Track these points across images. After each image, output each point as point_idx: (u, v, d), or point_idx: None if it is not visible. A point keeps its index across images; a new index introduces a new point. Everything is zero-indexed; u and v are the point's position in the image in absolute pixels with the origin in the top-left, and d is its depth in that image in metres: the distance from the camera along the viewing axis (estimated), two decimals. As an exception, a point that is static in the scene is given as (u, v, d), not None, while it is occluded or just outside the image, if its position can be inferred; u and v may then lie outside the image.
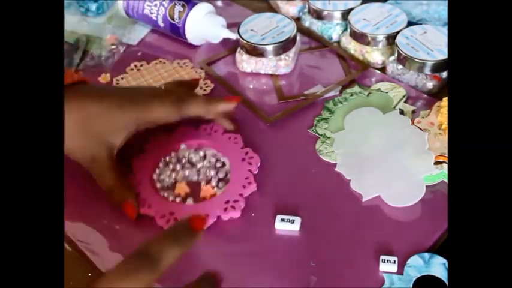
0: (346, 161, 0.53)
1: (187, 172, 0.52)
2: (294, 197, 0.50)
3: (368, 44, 0.63)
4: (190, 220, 0.35)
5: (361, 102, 0.59)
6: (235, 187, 0.50)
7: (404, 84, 0.60)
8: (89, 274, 0.46)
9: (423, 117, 0.55)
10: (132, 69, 0.66)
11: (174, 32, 0.68)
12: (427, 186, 0.50)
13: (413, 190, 0.49)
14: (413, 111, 0.57)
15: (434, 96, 0.59)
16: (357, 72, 0.63)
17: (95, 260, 0.47)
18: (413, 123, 0.55)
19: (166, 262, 0.33)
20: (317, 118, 0.58)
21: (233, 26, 0.67)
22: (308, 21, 0.70)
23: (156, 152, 0.54)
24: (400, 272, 0.44)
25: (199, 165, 0.53)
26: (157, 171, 0.53)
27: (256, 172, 0.52)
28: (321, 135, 0.56)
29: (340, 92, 0.61)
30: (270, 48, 0.62)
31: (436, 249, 0.46)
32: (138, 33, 0.72)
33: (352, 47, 0.65)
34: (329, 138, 0.55)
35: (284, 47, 0.63)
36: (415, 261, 0.44)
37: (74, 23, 0.73)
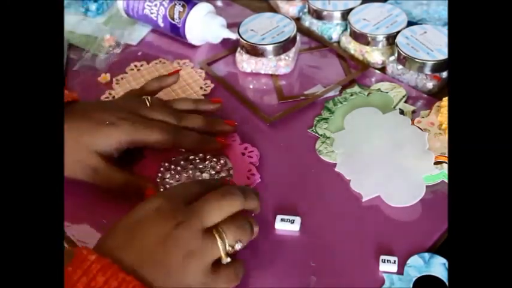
0: (346, 161, 0.53)
1: (190, 173, 0.52)
2: (294, 197, 0.50)
3: (368, 44, 0.63)
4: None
5: (361, 102, 0.59)
6: (238, 181, 0.51)
7: (404, 84, 0.60)
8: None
9: (423, 117, 0.55)
10: (132, 69, 0.66)
11: (174, 32, 0.68)
12: (427, 186, 0.49)
13: (413, 190, 0.49)
14: (413, 111, 0.57)
15: (434, 96, 0.59)
16: (357, 72, 0.63)
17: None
18: (413, 123, 0.55)
19: (249, 200, 0.43)
20: (317, 118, 0.58)
21: (233, 26, 0.67)
22: (308, 21, 0.70)
23: (157, 157, 0.54)
24: (400, 272, 0.44)
25: (200, 166, 0.53)
26: (160, 175, 0.53)
27: (257, 164, 0.52)
28: (321, 135, 0.56)
29: (340, 92, 0.61)
30: (270, 48, 0.62)
31: (436, 249, 0.46)
32: (138, 33, 0.72)
33: (352, 47, 0.65)
34: (329, 138, 0.55)
35: (284, 47, 0.63)
36: (415, 261, 0.44)
37: (74, 23, 0.73)
